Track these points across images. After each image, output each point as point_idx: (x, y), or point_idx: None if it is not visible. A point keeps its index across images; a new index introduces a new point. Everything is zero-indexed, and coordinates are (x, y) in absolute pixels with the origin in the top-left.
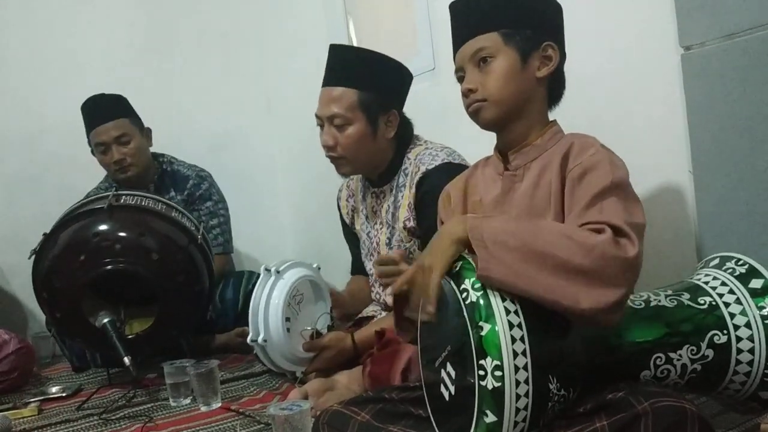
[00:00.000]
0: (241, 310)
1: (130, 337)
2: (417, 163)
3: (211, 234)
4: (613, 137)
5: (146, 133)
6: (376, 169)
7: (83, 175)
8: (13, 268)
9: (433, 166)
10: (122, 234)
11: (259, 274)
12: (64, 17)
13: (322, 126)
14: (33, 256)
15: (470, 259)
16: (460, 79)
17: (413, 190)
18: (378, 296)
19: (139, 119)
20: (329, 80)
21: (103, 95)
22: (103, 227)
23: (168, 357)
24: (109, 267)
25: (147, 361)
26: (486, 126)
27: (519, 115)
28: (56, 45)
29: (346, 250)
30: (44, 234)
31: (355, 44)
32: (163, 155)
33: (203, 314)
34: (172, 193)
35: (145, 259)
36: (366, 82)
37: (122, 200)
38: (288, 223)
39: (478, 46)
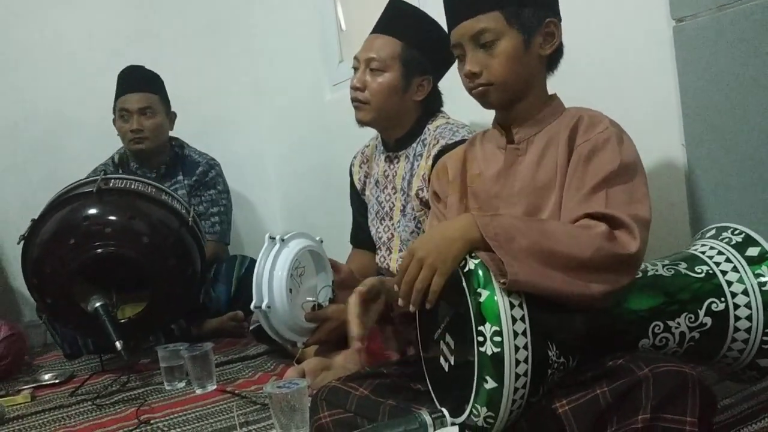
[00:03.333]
0: (234, 295)
1: (122, 321)
2: (437, 135)
3: (210, 221)
4: (605, 110)
5: (171, 116)
6: (395, 129)
7: (69, 163)
8: (2, 256)
9: (453, 141)
10: (112, 218)
11: (250, 258)
12: (49, 3)
13: (356, 70)
14: (22, 242)
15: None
16: (459, 57)
17: (430, 161)
18: (383, 260)
19: (168, 101)
20: (379, 28)
21: (141, 67)
22: (92, 211)
23: (161, 341)
24: (99, 251)
25: (140, 346)
26: (492, 107)
27: (524, 94)
28: (41, 32)
29: (339, 236)
30: (33, 220)
31: (343, 27)
32: (176, 139)
33: (195, 298)
34: (180, 177)
35: (135, 243)
36: (413, 39)
37: (111, 183)
38: (278, 209)
39: (480, 27)
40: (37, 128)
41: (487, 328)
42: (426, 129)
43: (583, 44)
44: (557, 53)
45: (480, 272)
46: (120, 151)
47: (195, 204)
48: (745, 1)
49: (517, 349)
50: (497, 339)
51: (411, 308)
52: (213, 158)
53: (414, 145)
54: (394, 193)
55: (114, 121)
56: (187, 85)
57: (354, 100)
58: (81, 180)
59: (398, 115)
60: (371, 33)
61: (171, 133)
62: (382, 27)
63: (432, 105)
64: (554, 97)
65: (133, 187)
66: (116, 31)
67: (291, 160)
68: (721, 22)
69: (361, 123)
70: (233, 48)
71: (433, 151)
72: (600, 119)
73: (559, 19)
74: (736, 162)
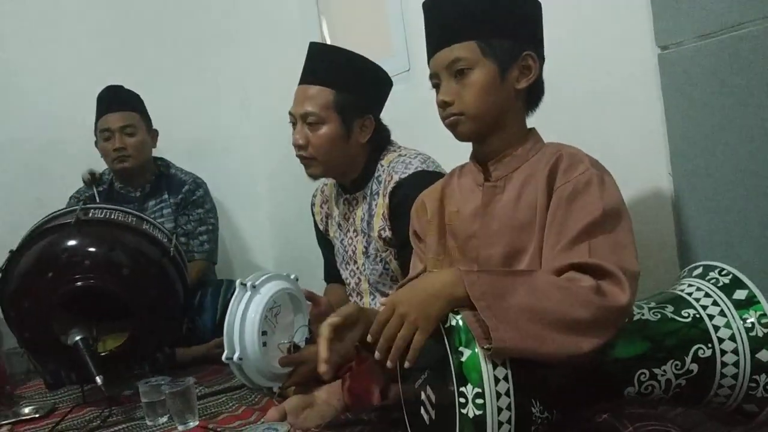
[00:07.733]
0: (219, 320)
1: (103, 354)
2: (390, 171)
3: (198, 240)
4: (590, 140)
5: (153, 133)
6: (348, 174)
7: (55, 186)
8: None
9: (406, 174)
10: (92, 249)
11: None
12: (36, 25)
13: (294, 124)
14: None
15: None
16: (435, 86)
17: (386, 199)
18: None
19: (149, 119)
20: (306, 78)
21: (121, 87)
22: (71, 243)
23: (145, 370)
24: (79, 284)
25: (123, 378)
26: (463, 139)
27: (498, 128)
28: (27, 53)
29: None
30: (11, 251)
31: (328, 43)
32: (162, 159)
33: (178, 328)
34: (165, 196)
35: (115, 275)
36: (343, 83)
37: (90, 214)
38: (268, 228)
39: (454, 56)
40: (22, 151)
41: (469, 390)
42: (379, 166)
43: (566, 73)
44: (536, 90)
45: (462, 329)
46: (103, 171)
47: (182, 223)
48: (729, 29)
49: (500, 410)
50: (479, 401)
51: (389, 364)
52: (199, 177)
53: (370, 184)
54: (356, 236)
55: (96, 143)
56: (174, 104)
57: (299, 157)
58: (60, 210)
59: (348, 161)
60: (300, 84)
61: (157, 153)
62: (309, 76)
63: (380, 141)
64: (533, 131)
65: (113, 217)
66: (102, 53)
67: (280, 178)
68: (706, 49)
69: (314, 177)
70: (219, 65)
71: (389, 188)
72: (580, 158)
73: (540, 56)
74: (724, 190)
